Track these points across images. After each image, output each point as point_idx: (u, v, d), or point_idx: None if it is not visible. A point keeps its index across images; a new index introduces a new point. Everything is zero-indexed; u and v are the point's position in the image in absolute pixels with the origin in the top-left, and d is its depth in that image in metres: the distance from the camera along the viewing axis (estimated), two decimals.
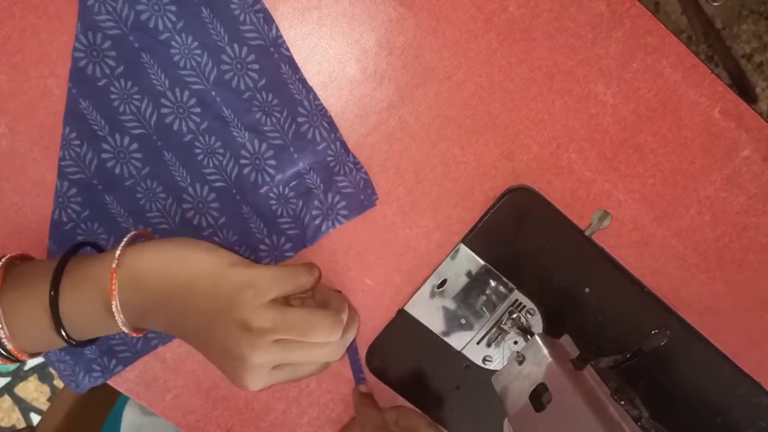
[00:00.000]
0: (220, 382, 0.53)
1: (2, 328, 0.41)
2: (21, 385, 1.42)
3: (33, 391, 1.42)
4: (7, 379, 1.41)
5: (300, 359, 0.42)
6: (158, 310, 0.42)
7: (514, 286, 0.51)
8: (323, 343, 0.42)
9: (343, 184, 0.49)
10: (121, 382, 0.52)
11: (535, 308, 0.51)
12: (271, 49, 0.47)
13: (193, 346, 0.43)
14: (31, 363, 1.41)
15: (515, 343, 0.52)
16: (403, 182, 0.50)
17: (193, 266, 0.42)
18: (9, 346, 0.41)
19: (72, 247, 0.44)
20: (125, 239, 0.43)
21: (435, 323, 0.52)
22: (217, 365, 0.43)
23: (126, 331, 0.42)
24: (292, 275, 0.42)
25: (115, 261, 0.41)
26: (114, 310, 0.41)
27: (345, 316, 0.43)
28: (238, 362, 0.40)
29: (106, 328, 0.43)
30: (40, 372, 1.42)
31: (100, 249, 0.48)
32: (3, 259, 0.43)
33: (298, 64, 0.48)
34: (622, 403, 0.40)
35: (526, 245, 0.51)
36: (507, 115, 0.49)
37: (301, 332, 0.41)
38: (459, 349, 0.53)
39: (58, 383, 1.42)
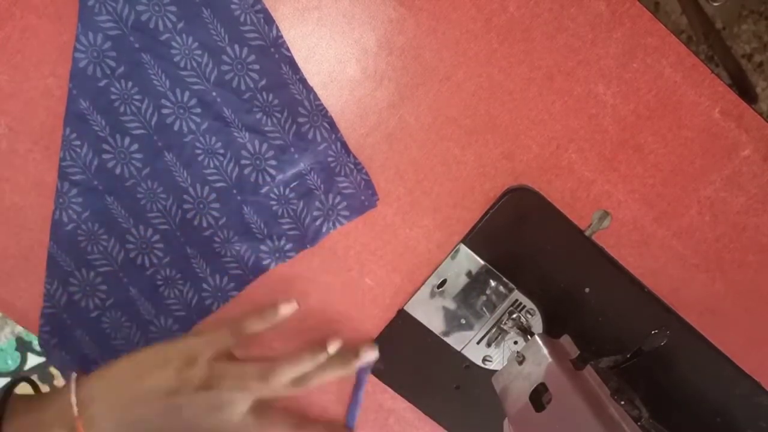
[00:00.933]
0: None
1: None
2: (21, 385, 1.41)
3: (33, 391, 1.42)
4: (8, 380, 1.41)
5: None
6: None
7: (514, 286, 0.51)
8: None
9: (344, 184, 0.49)
10: None
11: (535, 308, 0.51)
12: (272, 50, 0.47)
13: None
14: (32, 363, 1.41)
15: (515, 343, 0.52)
16: (403, 182, 0.50)
17: (140, 379, 0.45)
18: None
19: (7, 388, 0.46)
20: (72, 382, 0.44)
21: (435, 323, 0.52)
22: None
23: None
24: (216, 334, 0.47)
25: (75, 408, 0.43)
26: None
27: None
28: (218, 409, 0.45)
29: None
30: (41, 372, 1.42)
31: (32, 382, 0.49)
32: None
33: (299, 65, 0.48)
34: (622, 403, 0.40)
35: (526, 245, 0.51)
36: (507, 116, 0.49)
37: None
38: (459, 349, 0.53)
39: (59, 383, 1.41)
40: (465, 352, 0.53)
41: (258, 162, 0.49)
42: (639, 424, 0.39)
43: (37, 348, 1.41)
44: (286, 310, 0.48)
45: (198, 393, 0.45)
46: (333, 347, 0.49)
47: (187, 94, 0.47)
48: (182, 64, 0.47)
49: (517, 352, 0.49)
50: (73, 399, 0.43)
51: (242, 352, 0.52)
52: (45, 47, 0.47)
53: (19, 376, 0.48)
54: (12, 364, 1.41)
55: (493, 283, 0.51)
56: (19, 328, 1.40)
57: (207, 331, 0.48)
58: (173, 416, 0.45)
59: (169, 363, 0.45)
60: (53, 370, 1.42)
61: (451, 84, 0.48)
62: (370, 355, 0.51)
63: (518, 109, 0.49)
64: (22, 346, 1.41)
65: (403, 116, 0.49)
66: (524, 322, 0.51)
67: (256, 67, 0.47)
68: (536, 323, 0.52)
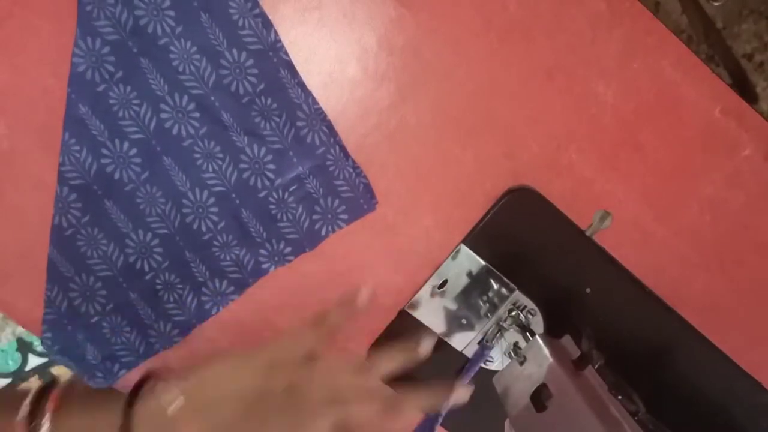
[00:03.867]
0: None
1: None
2: (23, 386, 1.42)
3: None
4: (8, 380, 1.41)
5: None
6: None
7: (514, 287, 0.51)
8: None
9: (343, 188, 0.49)
10: (121, 382, 0.52)
11: (536, 308, 0.51)
12: (270, 54, 0.47)
13: None
14: (33, 363, 1.41)
15: (516, 343, 0.52)
16: (404, 182, 0.50)
17: (228, 378, 0.44)
18: None
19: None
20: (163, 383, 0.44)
21: (436, 324, 0.52)
22: None
23: None
24: (298, 335, 0.45)
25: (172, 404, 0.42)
26: None
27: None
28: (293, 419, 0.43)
29: None
30: (41, 372, 1.42)
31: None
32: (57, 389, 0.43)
33: (299, 65, 0.47)
34: (620, 397, 0.40)
35: (527, 245, 0.51)
36: (507, 115, 0.49)
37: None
38: (460, 350, 0.53)
39: None
40: (466, 353, 0.53)
41: (257, 166, 0.49)
42: (636, 418, 0.39)
43: (38, 349, 1.41)
44: (365, 295, 0.47)
45: (282, 400, 0.44)
46: (364, 295, 0.47)
47: (185, 98, 0.47)
48: (181, 69, 0.46)
49: (518, 352, 0.49)
50: (167, 397, 0.43)
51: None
52: (45, 47, 0.47)
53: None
54: (13, 365, 1.41)
55: (494, 284, 0.51)
56: (20, 329, 1.40)
57: (291, 331, 0.47)
58: (255, 423, 0.44)
59: (255, 365, 0.45)
60: (54, 371, 1.42)
61: (452, 83, 0.48)
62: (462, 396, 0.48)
63: (518, 109, 0.49)
64: (23, 347, 1.41)
65: (404, 116, 0.49)
66: (525, 323, 0.51)
67: (255, 71, 0.47)
68: (537, 323, 0.52)
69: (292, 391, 0.44)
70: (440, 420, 0.51)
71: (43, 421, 0.40)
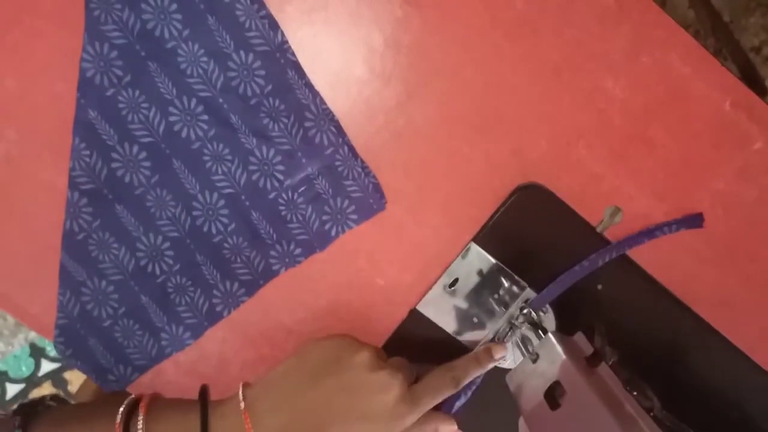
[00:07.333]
0: (235, 385, 0.53)
1: None
2: (35, 391, 1.42)
3: None
4: (22, 386, 1.42)
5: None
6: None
7: (526, 284, 0.51)
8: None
9: (352, 188, 0.49)
10: (134, 385, 0.52)
11: (548, 306, 0.51)
12: (277, 55, 0.47)
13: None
14: (45, 369, 1.42)
15: (528, 341, 0.52)
16: (412, 181, 0.50)
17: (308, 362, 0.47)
18: None
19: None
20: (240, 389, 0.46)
21: (447, 323, 0.52)
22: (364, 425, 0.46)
23: None
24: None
25: (242, 402, 0.45)
26: None
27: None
28: (380, 395, 0.45)
29: None
30: (54, 378, 1.43)
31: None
32: (146, 397, 0.45)
33: (306, 65, 0.48)
34: (634, 393, 0.40)
35: (538, 243, 0.51)
36: (515, 112, 0.49)
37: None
38: (472, 349, 0.52)
39: (72, 389, 1.42)
40: None
41: (266, 167, 0.49)
42: (651, 414, 0.39)
43: (51, 354, 1.42)
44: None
45: (365, 371, 0.46)
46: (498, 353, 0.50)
47: (194, 101, 0.47)
48: (188, 72, 0.47)
49: (531, 350, 0.49)
50: (240, 395, 0.45)
51: (251, 353, 0.53)
52: (53, 52, 0.47)
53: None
54: (26, 370, 1.42)
55: (504, 282, 0.51)
56: (32, 334, 1.41)
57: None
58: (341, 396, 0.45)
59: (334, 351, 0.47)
60: (67, 376, 1.43)
61: (459, 81, 0.48)
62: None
63: (526, 106, 0.48)
64: (36, 353, 1.42)
65: (411, 115, 0.49)
66: (537, 320, 0.51)
67: (262, 72, 0.47)
68: (549, 321, 0.51)
69: (373, 369, 0.46)
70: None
71: (138, 426, 0.43)
